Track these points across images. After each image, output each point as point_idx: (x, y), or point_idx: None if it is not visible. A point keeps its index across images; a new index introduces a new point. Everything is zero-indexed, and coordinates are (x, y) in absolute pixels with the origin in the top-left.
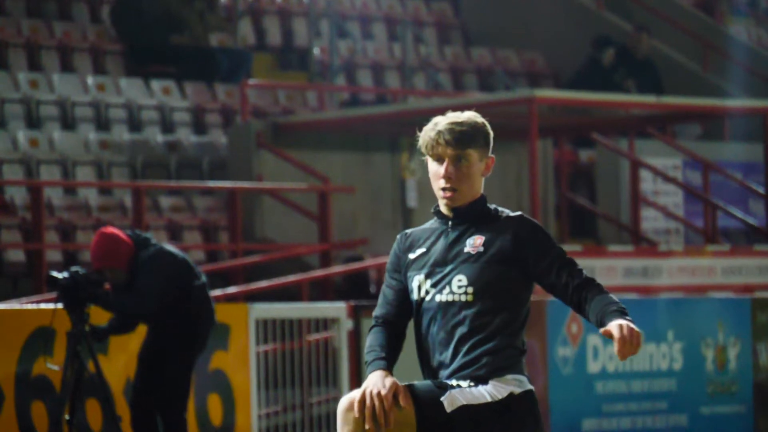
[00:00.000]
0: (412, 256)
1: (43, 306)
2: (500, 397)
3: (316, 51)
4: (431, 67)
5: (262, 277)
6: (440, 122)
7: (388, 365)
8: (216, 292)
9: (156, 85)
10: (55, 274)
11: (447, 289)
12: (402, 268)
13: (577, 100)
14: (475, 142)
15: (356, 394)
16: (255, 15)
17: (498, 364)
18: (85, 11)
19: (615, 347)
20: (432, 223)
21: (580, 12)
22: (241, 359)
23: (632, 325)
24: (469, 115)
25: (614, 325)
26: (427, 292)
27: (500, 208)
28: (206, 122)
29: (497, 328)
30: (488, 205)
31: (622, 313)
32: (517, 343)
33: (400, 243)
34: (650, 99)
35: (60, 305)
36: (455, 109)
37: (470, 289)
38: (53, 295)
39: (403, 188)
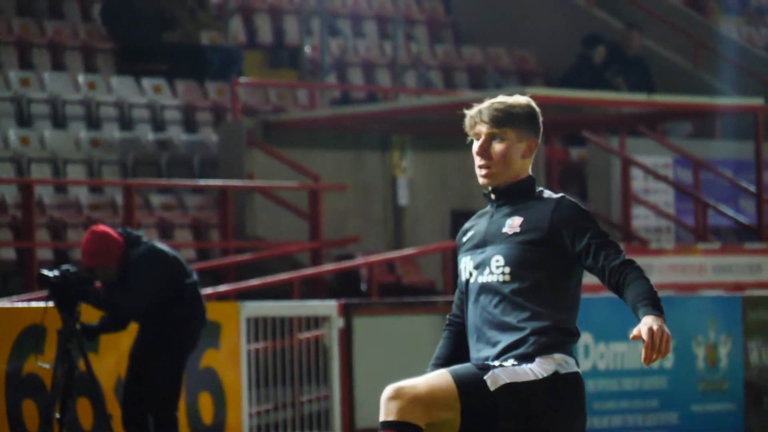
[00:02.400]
0: (464, 239)
1: (33, 304)
2: (545, 374)
3: (307, 49)
4: (422, 65)
5: (253, 275)
6: (484, 103)
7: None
8: (207, 291)
9: (147, 83)
10: (45, 272)
11: (487, 270)
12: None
13: (568, 98)
14: (512, 122)
15: (400, 383)
16: (246, 13)
17: (545, 342)
18: (76, 9)
19: (643, 352)
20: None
21: (571, 10)
22: (232, 357)
23: (662, 327)
24: (517, 98)
25: (645, 329)
26: (470, 274)
27: (546, 191)
28: (197, 120)
29: (539, 308)
30: (535, 187)
31: (653, 307)
32: (565, 324)
33: (458, 234)
34: (641, 97)
35: (51, 303)
36: (446, 107)
37: (507, 269)
38: (44, 293)
39: (394, 186)
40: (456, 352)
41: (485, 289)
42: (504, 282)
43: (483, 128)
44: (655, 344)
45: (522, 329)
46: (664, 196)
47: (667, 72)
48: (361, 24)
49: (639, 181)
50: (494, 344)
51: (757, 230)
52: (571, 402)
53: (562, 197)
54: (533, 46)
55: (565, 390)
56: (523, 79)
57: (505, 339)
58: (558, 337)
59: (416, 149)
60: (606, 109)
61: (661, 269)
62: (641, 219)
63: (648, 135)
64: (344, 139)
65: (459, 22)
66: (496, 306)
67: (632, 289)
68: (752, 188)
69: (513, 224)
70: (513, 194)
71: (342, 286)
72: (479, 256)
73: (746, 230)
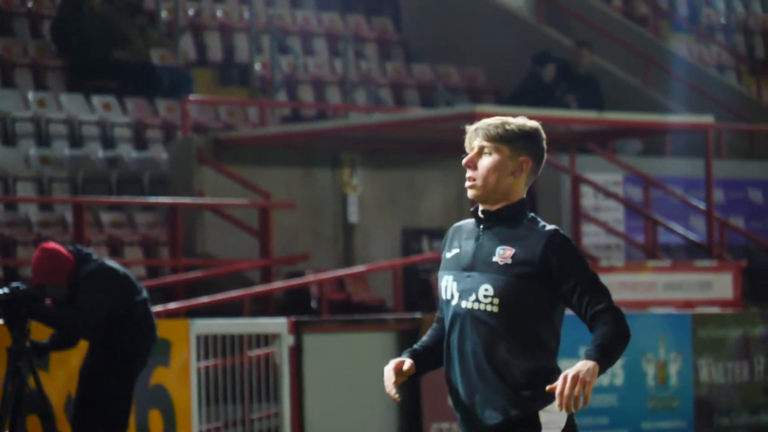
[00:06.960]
0: (448, 255)
1: None
2: None
3: (257, 66)
4: (372, 82)
5: (203, 292)
6: (487, 119)
7: (413, 355)
8: (157, 308)
9: (97, 100)
10: None
11: (473, 296)
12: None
13: (518, 115)
14: (504, 139)
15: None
16: (196, 30)
17: (544, 393)
18: (25, 27)
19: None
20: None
21: (521, 28)
22: (182, 375)
23: (579, 374)
24: (520, 119)
25: (561, 377)
26: (452, 296)
27: (538, 219)
28: (147, 138)
29: (526, 342)
30: (526, 213)
31: (596, 351)
32: (551, 363)
33: (445, 240)
34: (591, 114)
35: (0, 321)
36: (396, 124)
37: (496, 300)
38: None
39: (344, 203)
40: (436, 340)
41: (471, 316)
42: (492, 313)
43: (476, 142)
44: (563, 393)
45: (510, 364)
46: (614, 214)
47: (617, 90)
48: (311, 42)
49: (589, 199)
50: (480, 372)
51: (707, 248)
52: None
53: (555, 232)
54: (483, 64)
55: None
56: (473, 97)
57: (490, 369)
58: (551, 381)
59: (366, 167)
60: (556, 126)
61: (612, 287)
62: (591, 236)
63: (598, 152)
64: (294, 157)
65: (409, 39)
66: (481, 335)
67: (595, 334)
68: (702, 206)
69: (504, 255)
70: (503, 218)
71: (292, 303)
72: (466, 281)
73: (696, 248)
